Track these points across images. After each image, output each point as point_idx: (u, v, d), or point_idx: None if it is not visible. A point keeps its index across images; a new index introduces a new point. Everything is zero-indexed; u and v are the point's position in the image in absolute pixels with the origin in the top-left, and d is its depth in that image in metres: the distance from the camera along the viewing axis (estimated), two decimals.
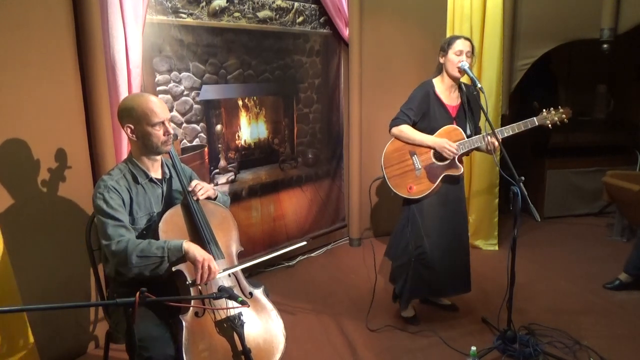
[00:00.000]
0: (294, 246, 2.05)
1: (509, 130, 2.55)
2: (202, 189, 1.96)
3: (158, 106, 1.85)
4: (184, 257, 1.73)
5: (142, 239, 1.89)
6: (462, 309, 2.96)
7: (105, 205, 1.79)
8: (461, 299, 2.99)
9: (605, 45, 3.73)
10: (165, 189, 1.99)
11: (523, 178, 2.27)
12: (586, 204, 4.68)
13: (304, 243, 1.99)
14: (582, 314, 2.89)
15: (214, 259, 1.81)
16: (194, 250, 1.73)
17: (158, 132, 1.85)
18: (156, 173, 1.97)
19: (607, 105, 4.91)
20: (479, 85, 2.46)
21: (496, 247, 3.95)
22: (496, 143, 2.50)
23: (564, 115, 2.54)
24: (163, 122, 1.85)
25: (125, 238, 1.77)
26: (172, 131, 1.89)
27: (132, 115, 1.84)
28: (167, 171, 2.01)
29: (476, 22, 3.63)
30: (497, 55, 3.62)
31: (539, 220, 2.23)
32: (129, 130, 1.86)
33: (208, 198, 2.01)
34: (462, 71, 2.53)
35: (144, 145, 1.88)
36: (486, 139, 2.52)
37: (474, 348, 2.32)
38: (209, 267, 1.71)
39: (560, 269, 3.55)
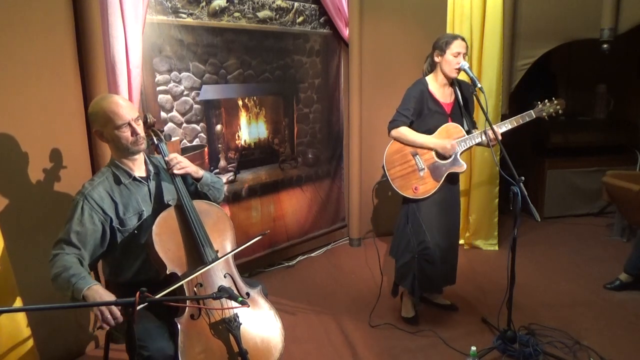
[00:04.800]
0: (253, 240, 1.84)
1: (507, 125, 2.61)
2: (180, 163, 1.90)
3: (121, 107, 1.80)
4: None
5: (133, 239, 1.89)
6: (462, 309, 2.96)
7: (75, 212, 1.78)
8: (461, 299, 2.99)
9: (605, 45, 3.72)
10: (152, 186, 1.97)
11: (523, 178, 2.27)
12: (586, 204, 4.68)
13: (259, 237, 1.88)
14: (582, 314, 2.89)
15: (208, 259, 1.80)
16: (93, 299, 1.60)
17: (125, 133, 1.81)
18: (140, 171, 1.94)
19: (607, 105, 4.89)
20: (479, 85, 2.47)
21: (496, 247, 3.95)
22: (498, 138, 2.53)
23: (558, 107, 2.65)
24: (129, 123, 1.81)
25: (58, 256, 1.73)
26: (140, 132, 1.84)
27: (98, 121, 1.83)
28: (151, 168, 1.98)
29: (476, 22, 3.63)
30: (497, 55, 3.62)
31: (539, 220, 2.24)
32: (98, 135, 1.86)
33: (195, 186, 2.00)
34: (459, 71, 2.54)
35: (116, 148, 1.87)
36: (487, 135, 2.55)
37: (474, 348, 2.32)
38: (105, 318, 1.56)
39: (560, 269, 3.55)
